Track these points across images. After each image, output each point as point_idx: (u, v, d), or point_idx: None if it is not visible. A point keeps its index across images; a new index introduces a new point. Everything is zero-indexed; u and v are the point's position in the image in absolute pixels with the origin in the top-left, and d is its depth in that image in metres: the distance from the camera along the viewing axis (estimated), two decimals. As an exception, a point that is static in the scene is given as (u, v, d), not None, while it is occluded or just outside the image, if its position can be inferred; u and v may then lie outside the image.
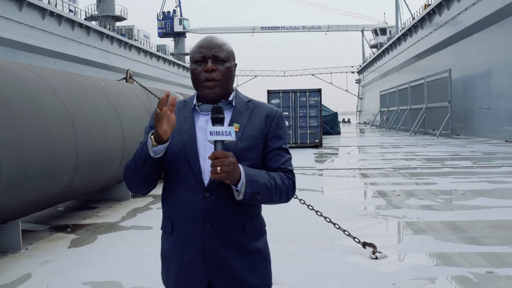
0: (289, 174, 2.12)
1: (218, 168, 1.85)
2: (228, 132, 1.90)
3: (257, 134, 2.09)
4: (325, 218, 6.07)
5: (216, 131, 1.89)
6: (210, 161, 1.90)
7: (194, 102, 2.15)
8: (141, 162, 1.99)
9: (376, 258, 5.33)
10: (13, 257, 5.56)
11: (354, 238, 5.67)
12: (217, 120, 1.94)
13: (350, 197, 9.70)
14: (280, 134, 2.15)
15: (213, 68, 2.05)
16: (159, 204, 8.40)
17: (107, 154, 7.66)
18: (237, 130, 2.05)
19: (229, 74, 2.10)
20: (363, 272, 4.99)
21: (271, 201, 2.05)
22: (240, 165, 1.94)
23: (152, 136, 1.94)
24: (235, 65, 2.19)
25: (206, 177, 2.01)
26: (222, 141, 1.90)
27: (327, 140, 28.13)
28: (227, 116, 2.08)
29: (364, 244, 5.59)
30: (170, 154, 2.05)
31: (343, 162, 17.29)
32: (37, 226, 7.16)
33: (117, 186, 9.15)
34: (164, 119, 1.89)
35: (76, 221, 7.39)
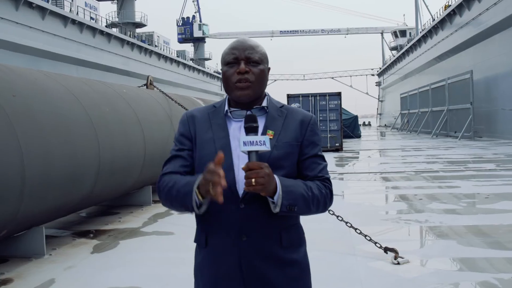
0: (326, 183, 2.02)
1: (253, 180, 1.75)
2: (262, 141, 1.80)
3: (292, 141, 2.00)
4: (346, 223, 6.04)
5: (250, 141, 1.80)
6: (243, 171, 1.80)
7: (226, 108, 2.05)
8: (182, 209, 1.93)
9: (398, 263, 5.29)
10: (37, 263, 5.64)
11: (375, 243, 5.63)
12: (251, 129, 1.86)
13: (372, 201, 9.63)
14: (315, 141, 2.05)
15: (246, 69, 1.96)
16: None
17: (128, 160, 7.73)
18: (271, 137, 1.95)
19: (263, 76, 2.01)
20: (385, 277, 4.95)
21: (308, 212, 1.95)
22: (275, 176, 1.84)
23: (197, 190, 1.82)
24: (269, 68, 2.11)
25: (241, 187, 1.91)
26: (257, 151, 1.81)
27: (348, 144, 27.99)
28: (261, 122, 1.99)
29: (386, 249, 5.54)
30: (203, 165, 1.91)
31: (364, 166, 17.18)
32: (61, 231, 7.25)
33: (138, 192, 9.22)
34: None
35: (98, 227, 7.46)
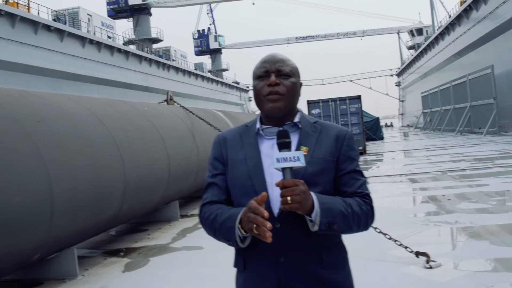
0: (367, 199, 1.94)
1: (289, 198, 1.69)
2: (296, 157, 1.75)
3: (328, 157, 1.93)
4: (375, 228, 5.98)
5: (284, 157, 1.75)
6: (278, 189, 1.75)
7: (258, 126, 2.01)
8: (226, 242, 1.91)
9: (431, 267, 5.21)
10: (70, 284, 5.70)
11: (406, 247, 5.56)
12: (284, 145, 1.80)
13: (399, 204, 9.52)
14: (352, 156, 1.99)
15: (276, 81, 1.93)
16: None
17: (153, 178, 7.79)
18: (306, 153, 1.89)
19: (294, 89, 1.98)
20: (418, 282, 4.89)
21: (349, 230, 1.88)
22: (312, 193, 1.78)
23: (240, 225, 1.81)
24: (301, 83, 2.06)
25: (276, 206, 1.86)
26: (291, 168, 1.75)
27: (371, 146, 27.80)
28: (294, 139, 1.94)
29: (417, 254, 5.47)
30: (236, 185, 1.97)
31: (389, 168, 17.03)
32: (92, 251, 7.33)
33: (165, 207, 9.27)
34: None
35: (128, 245, 7.52)
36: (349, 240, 6.52)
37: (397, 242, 5.67)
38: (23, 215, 4.60)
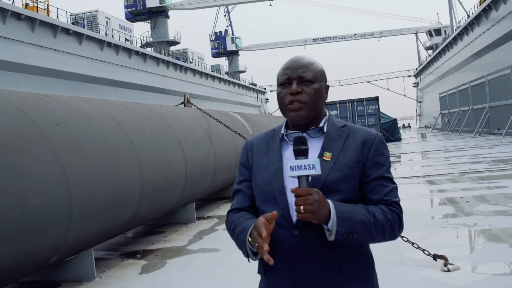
0: (394, 207, 1.85)
1: (301, 207, 1.67)
2: (311, 165, 1.70)
3: (352, 163, 1.86)
4: (392, 231, 5.95)
5: (298, 166, 1.72)
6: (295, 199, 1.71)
7: (282, 131, 1.98)
8: (244, 254, 1.90)
9: (449, 270, 5.17)
10: (88, 286, 5.75)
11: (423, 250, 5.52)
12: (300, 152, 1.76)
13: (416, 206, 9.44)
14: (381, 162, 1.90)
15: (298, 90, 1.88)
16: (224, 225, 8.46)
17: (170, 180, 7.83)
18: (329, 159, 1.85)
19: (318, 95, 1.92)
20: (436, 286, 4.85)
21: (372, 239, 1.82)
22: (330, 201, 1.74)
23: (250, 238, 1.80)
24: (327, 86, 2.00)
25: (294, 213, 1.80)
26: (307, 176, 1.72)
27: (388, 148, 27.57)
28: (318, 143, 1.91)
29: (435, 256, 5.42)
30: (257, 191, 1.96)
31: (407, 170, 16.89)
32: (109, 253, 7.38)
33: (182, 209, 9.31)
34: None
35: (145, 247, 7.57)
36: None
37: (414, 245, 5.63)
38: (42, 217, 4.65)
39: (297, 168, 1.72)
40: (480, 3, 41.53)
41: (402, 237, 5.78)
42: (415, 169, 16.69)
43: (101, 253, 7.38)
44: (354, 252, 1.87)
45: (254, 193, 2.00)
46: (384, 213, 1.82)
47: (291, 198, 1.83)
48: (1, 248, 4.21)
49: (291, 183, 1.84)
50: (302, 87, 1.90)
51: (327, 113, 2.02)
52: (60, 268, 5.89)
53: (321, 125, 1.96)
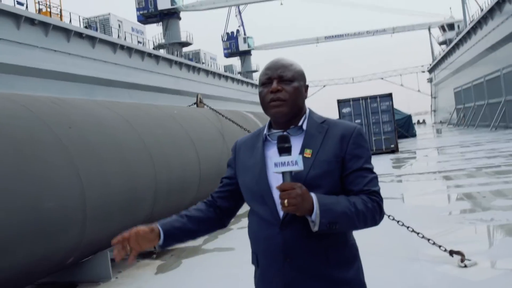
0: (374, 196, 1.95)
1: (285, 201, 1.78)
2: (294, 162, 1.81)
3: (331, 158, 1.95)
4: (408, 227, 5.91)
5: (282, 162, 1.82)
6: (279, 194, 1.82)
7: (265, 131, 2.08)
8: None
9: (466, 266, 5.11)
10: (105, 286, 5.78)
11: (440, 246, 5.47)
12: (283, 150, 1.86)
13: (433, 202, 9.37)
14: (359, 154, 1.98)
15: (278, 88, 1.98)
16: (240, 224, 8.50)
17: (184, 181, 7.84)
18: (310, 156, 1.94)
19: (297, 93, 2.02)
20: (453, 282, 4.81)
21: (353, 228, 1.93)
22: (313, 194, 1.84)
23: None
24: (306, 86, 2.10)
25: (281, 209, 1.89)
26: (290, 172, 1.82)
27: (403, 144, 27.45)
28: (299, 141, 1.99)
29: (451, 252, 5.37)
30: (246, 190, 2.07)
31: (422, 166, 16.77)
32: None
33: (197, 210, 9.32)
34: (133, 243, 2.00)
35: (161, 247, 7.58)
36: (381, 240, 6.45)
37: (430, 241, 5.58)
38: (57, 220, 4.69)
39: (281, 165, 1.82)
40: (494, -4, 41.08)
41: (418, 233, 5.73)
42: (431, 164, 16.57)
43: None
44: (339, 242, 1.96)
45: (242, 191, 2.11)
46: (364, 202, 1.91)
47: (276, 196, 1.92)
48: (17, 250, 4.25)
49: (275, 181, 1.92)
50: (282, 86, 2.00)
51: (308, 110, 2.10)
52: (76, 269, 5.93)
53: (300, 123, 2.04)
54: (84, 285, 5.84)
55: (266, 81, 2.03)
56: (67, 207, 4.86)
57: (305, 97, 2.10)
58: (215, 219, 2.18)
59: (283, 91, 1.99)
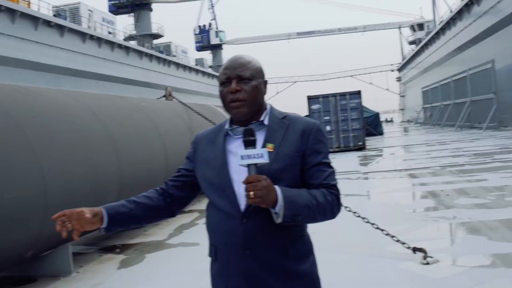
0: (332, 190, 2.02)
1: (251, 193, 1.81)
2: (260, 154, 1.85)
3: (293, 153, 2.01)
4: (372, 224, 5.95)
5: (248, 155, 1.86)
6: (244, 186, 1.85)
7: (226, 126, 2.12)
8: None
9: (428, 263, 5.17)
10: (65, 281, 5.66)
11: (403, 243, 5.52)
12: (249, 143, 1.91)
13: (398, 199, 9.47)
14: (318, 149, 2.05)
15: (237, 88, 2.01)
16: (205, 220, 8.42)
17: (150, 174, 7.74)
18: (272, 150, 1.98)
19: (256, 92, 2.05)
20: (415, 279, 4.85)
21: (314, 220, 1.98)
22: (277, 187, 1.88)
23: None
24: (265, 82, 2.14)
25: (242, 202, 1.96)
26: (256, 164, 1.86)
27: (371, 142, 27.75)
28: (261, 136, 2.04)
29: (414, 249, 5.43)
30: (206, 183, 2.09)
31: (389, 164, 16.98)
32: (87, 248, 7.29)
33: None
34: (75, 222, 1.98)
35: (124, 241, 7.48)
36: (346, 236, 6.48)
37: (394, 238, 5.64)
38: (16, 210, 4.56)
39: (247, 157, 1.86)
40: (463, -2, 41.82)
41: (382, 230, 5.78)
42: (397, 162, 16.79)
43: (79, 247, 7.28)
44: (296, 235, 2.02)
45: (202, 185, 2.15)
46: (324, 196, 1.98)
47: (237, 189, 1.97)
48: (-28, 243, 4.12)
49: (236, 175, 1.98)
50: (241, 86, 2.03)
51: (268, 106, 2.15)
52: (36, 263, 5.79)
53: (262, 118, 2.09)
54: (44, 280, 5.71)
55: (225, 81, 2.06)
56: (28, 197, 4.73)
57: (265, 93, 2.13)
58: (164, 208, 2.21)
59: (242, 91, 2.02)
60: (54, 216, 2.00)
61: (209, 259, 2.16)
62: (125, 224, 2.16)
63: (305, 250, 2.06)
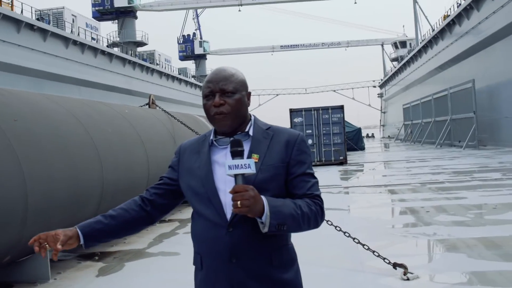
0: (316, 200, 2.06)
1: (238, 202, 1.83)
2: (247, 165, 1.89)
3: (278, 163, 2.04)
4: (354, 239, 5.97)
5: (235, 165, 1.89)
6: (230, 195, 1.88)
7: (211, 137, 2.14)
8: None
9: (408, 279, 5.19)
10: (42, 287, 5.57)
11: (384, 258, 5.54)
12: (237, 154, 1.94)
13: (378, 215, 9.52)
14: (302, 160, 2.09)
15: (220, 102, 2.03)
16: (186, 229, 8.40)
17: (132, 181, 7.69)
18: (257, 160, 2.01)
19: (240, 105, 2.07)
20: (395, 294, 4.87)
21: (299, 229, 2.01)
22: (263, 197, 1.91)
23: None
24: (248, 93, 2.16)
25: (228, 211, 1.98)
26: (243, 175, 1.89)
27: (352, 157, 27.91)
28: (246, 147, 2.06)
29: (395, 265, 5.45)
30: (191, 193, 2.10)
31: (369, 179, 17.08)
32: (65, 254, 7.18)
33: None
34: (52, 244, 2.04)
35: (103, 249, 7.39)
36: (327, 250, 6.49)
37: (375, 253, 5.65)
38: (-5, 215, 4.48)
39: (235, 167, 1.88)
40: (445, 18, 42.48)
41: (363, 245, 5.80)
42: (378, 178, 16.89)
43: (58, 254, 7.15)
44: (281, 245, 2.05)
45: (186, 194, 2.16)
46: (309, 206, 2.01)
47: (224, 198, 2.00)
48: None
49: (222, 184, 2.01)
50: (224, 99, 2.04)
51: (252, 117, 2.18)
52: (13, 268, 5.69)
53: (246, 129, 2.11)
54: (21, 286, 5.61)
55: (208, 94, 2.08)
56: (6, 200, 4.65)
57: (248, 104, 2.16)
58: (143, 217, 2.21)
59: (226, 104, 2.04)
60: (30, 241, 2.02)
61: (189, 269, 2.16)
62: (103, 240, 2.18)
63: (290, 258, 2.09)
